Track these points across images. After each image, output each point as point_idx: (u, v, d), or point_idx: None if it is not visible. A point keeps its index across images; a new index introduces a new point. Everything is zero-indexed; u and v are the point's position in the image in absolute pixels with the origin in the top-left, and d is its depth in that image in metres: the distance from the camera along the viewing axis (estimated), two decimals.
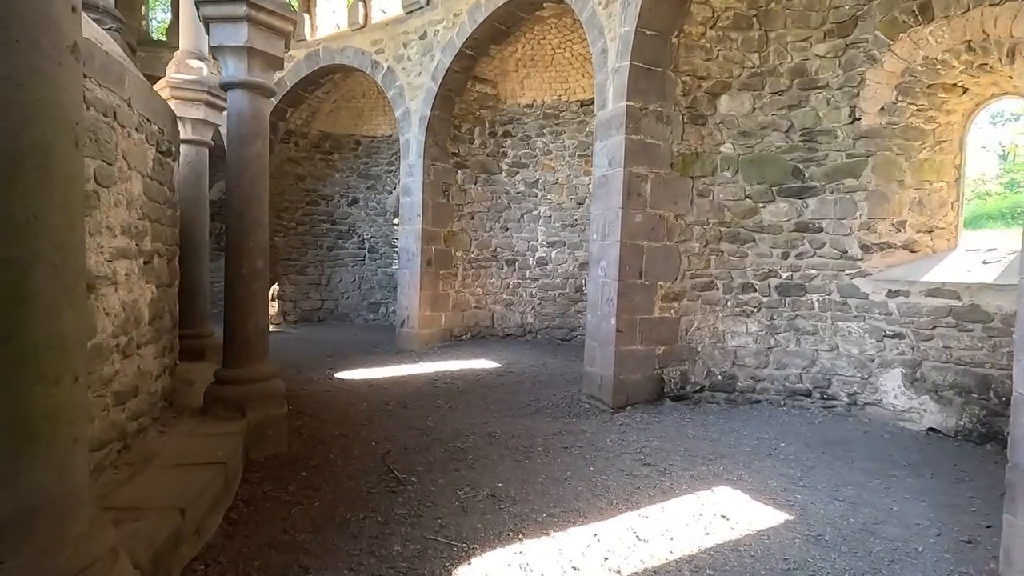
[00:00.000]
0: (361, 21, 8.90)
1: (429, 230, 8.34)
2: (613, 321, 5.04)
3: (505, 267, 9.22)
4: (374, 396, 5.68)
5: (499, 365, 7.37)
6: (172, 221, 3.95)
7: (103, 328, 2.67)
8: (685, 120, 5.26)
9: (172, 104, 5.56)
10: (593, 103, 6.37)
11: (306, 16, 9.58)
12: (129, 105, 2.91)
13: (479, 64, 8.22)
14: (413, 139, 8.32)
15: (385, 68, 8.65)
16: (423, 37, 8.19)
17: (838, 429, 4.82)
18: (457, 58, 7.82)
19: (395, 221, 11.05)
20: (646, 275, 5.13)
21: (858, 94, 4.88)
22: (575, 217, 8.99)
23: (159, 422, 3.51)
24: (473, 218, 9.00)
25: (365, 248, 11.74)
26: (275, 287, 10.76)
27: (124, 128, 2.85)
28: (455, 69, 7.96)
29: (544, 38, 8.17)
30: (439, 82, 7.98)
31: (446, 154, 8.56)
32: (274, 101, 9.49)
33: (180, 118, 5.60)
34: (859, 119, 4.91)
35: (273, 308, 10.75)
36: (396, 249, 10.70)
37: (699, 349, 5.40)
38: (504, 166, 9.14)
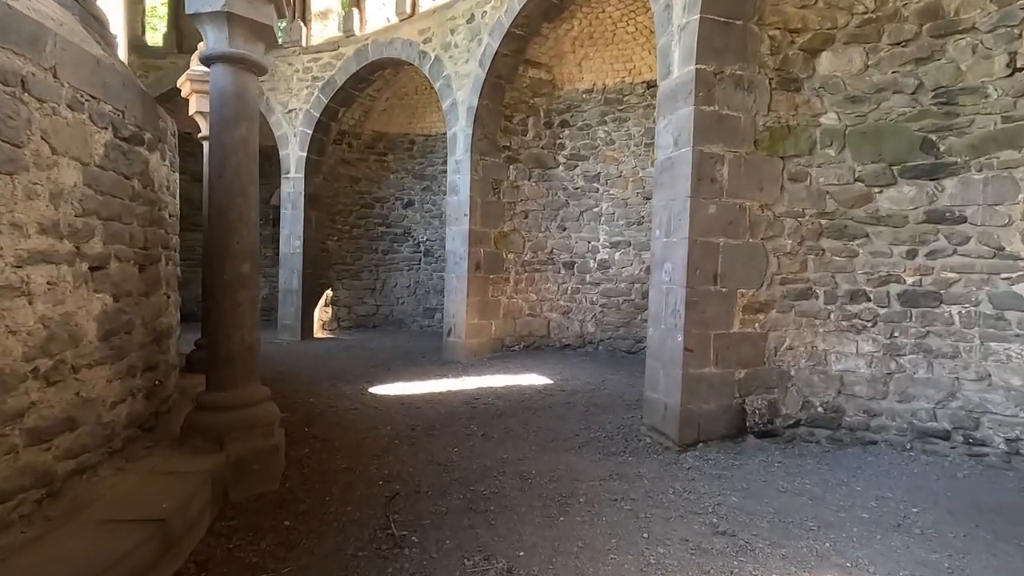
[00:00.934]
0: (409, 10, 8.39)
1: (477, 231, 7.64)
2: (680, 337, 4.06)
3: (562, 271, 8.35)
4: (402, 417, 5.02)
5: (550, 382, 6.52)
6: (153, 221, 3.47)
7: (5, 351, 2.13)
8: (773, 85, 4.18)
9: (193, 99, 5.20)
10: None
11: (355, 11, 9.23)
12: (55, 76, 2.38)
13: (531, 46, 7.43)
14: (460, 133, 7.67)
15: (432, 58, 8.07)
16: (470, 21, 7.53)
17: (994, 488, 3.56)
18: (506, 40, 7.07)
19: None
20: (722, 280, 4.11)
21: (1020, 35, 3.62)
22: (641, 214, 7.97)
23: (122, 455, 2.99)
24: (527, 217, 8.22)
25: (421, 251, 11.28)
26: (328, 292, 10.52)
27: (44, 103, 2.31)
28: (504, 53, 7.22)
29: (603, 11, 7.25)
30: (487, 68, 7.27)
31: (496, 148, 7.84)
32: (265, 85, 9.21)
33: (201, 113, 5.23)
34: (1021, 69, 3.64)
35: (327, 313, 10.51)
36: None
37: (792, 373, 4.29)
38: (561, 159, 8.29)
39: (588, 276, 8.31)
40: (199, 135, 6.15)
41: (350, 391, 6.01)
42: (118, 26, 9.98)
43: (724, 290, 4.13)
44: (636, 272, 8.04)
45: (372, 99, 10.17)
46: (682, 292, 4.06)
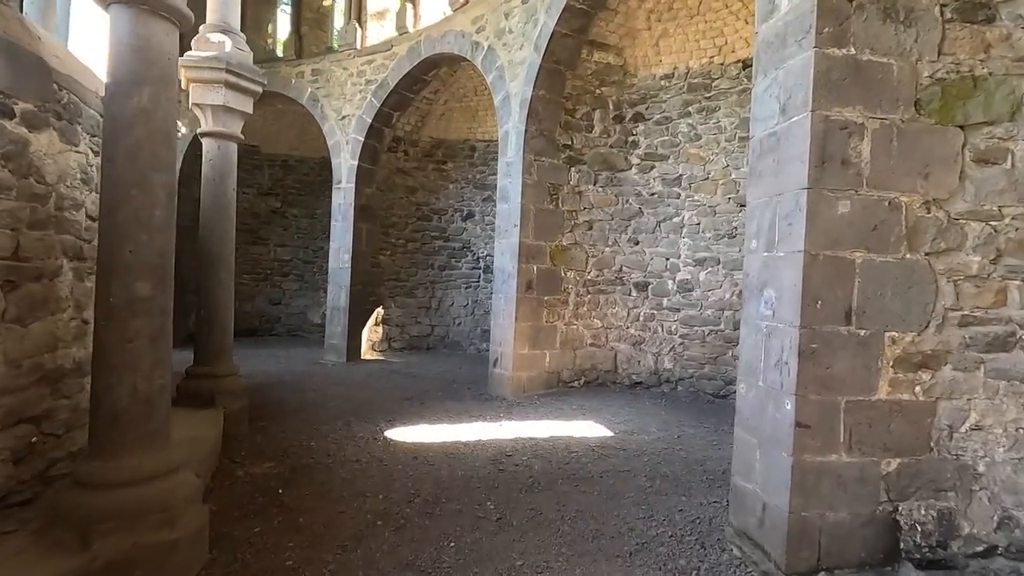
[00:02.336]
0: None
1: (530, 244, 6.48)
2: (789, 404, 2.63)
3: (634, 292, 6.96)
4: (406, 480, 3.91)
5: (609, 433, 5.16)
6: (41, 222, 2.63)
7: None
8: (947, 14, 2.68)
9: (192, 89, 4.51)
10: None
11: (409, 6, 8.51)
12: None
13: (596, 23, 6.22)
14: (512, 130, 6.59)
15: (485, 48, 7.09)
16: (526, 0, 6.46)
17: None
18: (565, 16, 5.92)
19: None
20: (860, 318, 2.63)
21: None
22: (734, 224, 6.43)
23: None
24: (591, 228, 6.93)
25: (480, 268, 10.30)
26: (379, 310, 9.78)
27: None
28: (564, 32, 6.07)
29: None
30: (543, 52, 6.14)
31: (554, 147, 6.66)
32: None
33: (198, 105, 4.52)
34: None
35: (377, 333, 9.77)
36: None
37: (980, 469, 2.69)
38: (634, 159, 6.95)
39: (665, 300, 6.85)
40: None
41: (364, 433, 5.02)
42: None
43: (863, 333, 2.64)
44: (727, 296, 6.48)
45: (429, 102, 9.40)
46: (793, 334, 2.63)
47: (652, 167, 6.90)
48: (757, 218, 3.02)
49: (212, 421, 4.16)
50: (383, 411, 5.87)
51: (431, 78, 8.77)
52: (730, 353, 6.40)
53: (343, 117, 9.16)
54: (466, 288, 10.36)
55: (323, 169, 11.40)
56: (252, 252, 11.76)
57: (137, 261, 2.36)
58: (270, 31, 10.51)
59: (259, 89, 4.75)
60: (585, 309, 6.90)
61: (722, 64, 6.37)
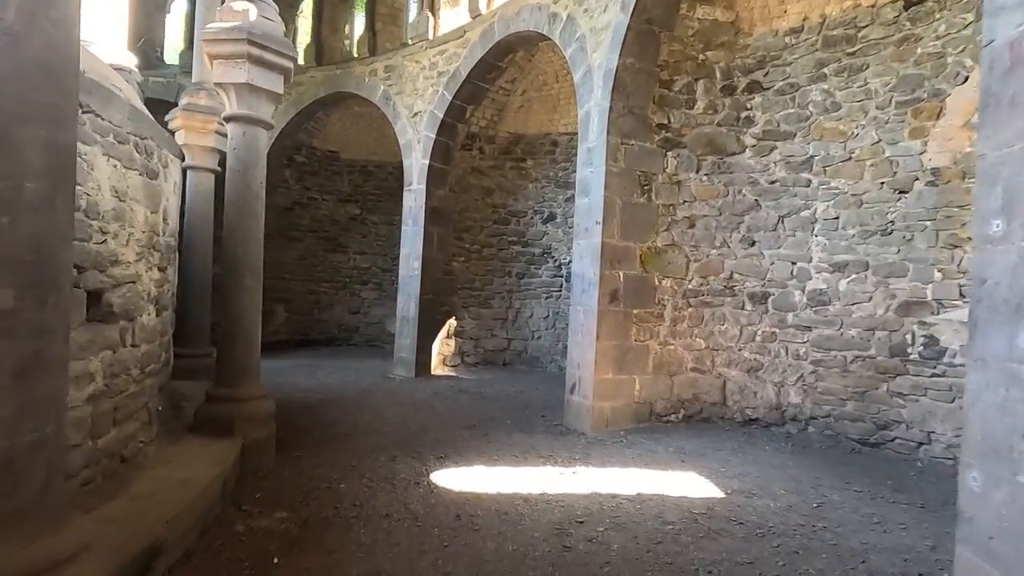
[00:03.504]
0: None
1: (615, 245, 5.32)
2: None
3: (748, 306, 5.56)
4: (437, 555, 2.93)
5: (719, 493, 3.87)
6: None
7: None
8: None
9: (215, 67, 3.90)
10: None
11: None
12: None
13: None
14: (594, 109, 5.49)
15: (564, 18, 6.07)
16: None
17: None
18: None
19: None
20: None
21: None
22: (890, 217, 4.87)
23: None
24: (692, 226, 5.64)
25: (562, 275, 9.24)
26: (452, 321, 9.01)
27: None
28: None
29: None
30: (632, 9, 5.01)
31: (646, 128, 5.47)
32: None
33: (220, 85, 3.90)
34: None
35: (449, 347, 9.00)
36: None
37: None
38: (749, 140, 5.58)
39: (791, 316, 5.38)
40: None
41: (407, 474, 4.12)
42: None
43: None
44: (879, 312, 4.91)
45: (506, 93, 8.54)
46: None
47: (772, 148, 5.48)
48: (1005, 181, 1.71)
49: (218, 457, 3.45)
50: (438, 442, 4.98)
51: (506, 64, 7.90)
52: (885, 388, 4.81)
53: (415, 114, 8.54)
54: (546, 298, 9.33)
55: (402, 174, 10.96)
56: (331, 260, 11.55)
57: None
58: (347, 32, 10.24)
59: (289, 64, 4.06)
60: (685, 326, 5.60)
61: (872, 6, 4.85)
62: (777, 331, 5.42)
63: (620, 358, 5.37)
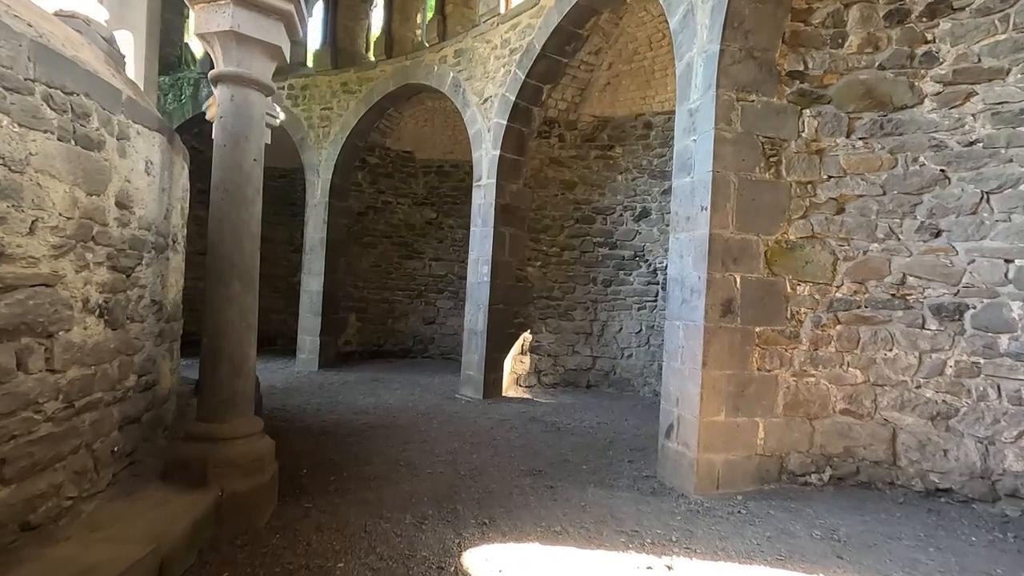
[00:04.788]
0: None
1: (729, 239, 3.88)
2: None
3: (931, 323, 3.85)
4: None
5: None
6: None
7: None
8: None
9: (195, 15, 3.08)
10: None
11: None
12: None
13: None
14: (699, 57, 4.10)
15: None
16: None
17: None
18: None
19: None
20: None
21: None
22: None
23: None
24: (841, 211, 4.05)
25: (658, 282, 7.77)
26: (527, 335, 7.85)
27: None
28: None
29: None
30: None
31: (772, 77, 3.99)
32: None
33: (203, 38, 3.08)
34: None
35: (523, 364, 7.84)
36: None
37: None
38: (930, 85, 3.89)
39: (1005, 339, 3.61)
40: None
41: (430, 550, 2.99)
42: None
43: None
44: None
45: (589, 68, 7.29)
46: None
47: (969, 95, 3.77)
48: None
49: (165, 524, 2.53)
50: (487, 496, 3.82)
51: (588, 31, 6.66)
52: None
53: (485, 100, 7.55)
54: (639, 309, 7.90)
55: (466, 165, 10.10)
56: (406, 267, 10.88)
57: None
58: (419, 21, 9.53)
59: (289, 7, 3.15)
60: (831, 350, 4.01)
61: None
62: (981, 361, 3.67)
63: (736, 393, 3.89)
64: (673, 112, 7.03)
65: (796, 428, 3.98)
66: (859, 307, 4.00)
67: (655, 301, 7.78)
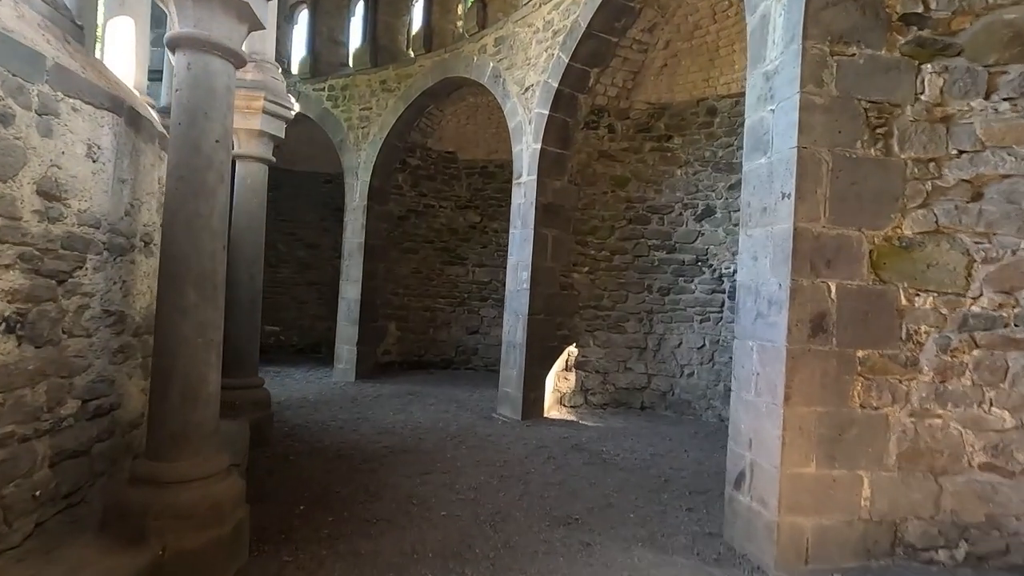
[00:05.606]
0: None
1: (820, 235, 2.97)
2: None
3: None
4: None
5: None
6: None
7: None
8: None
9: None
10: None
11: None
12: None
13: None
14: (776, 5, 3.21)
15: None
16: None
17: None
18: None
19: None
20: None
21: None
22: None
23: None
24: (978, 197, 3.03)
25: (723, 290, 6.78)
26: (572, 349, 7.05)
27: None
28: None
29: None
30: None
31: (878, 22, 3.04)
32: None
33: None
34: None
35: (568, 381, 7.04)
36: None
37: None
38: None
39: None
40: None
41: None
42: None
43: None
44: None
45: (642, 48, 6.45)
46: None
47: None
48: None
49: None
50: (507, 553, 3.09)
51: (640, 3, 5.84)
52: None
53: (526, 89, 6.86)
54: (701, 321, 6.92)
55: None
56: (449, 273, 10.33)
57: None
58: (459, 11, 8.99)
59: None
60: (967, 383, 2.99)
61: None
62: None
63: (832, 438, 2.95)
64: (742, 95, 6.07)
65: (916, 486, 2.99)
66: (1006, 325, 2.97)
67: (720, 312, 6.78)
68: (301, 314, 12.20)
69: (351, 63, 9.63)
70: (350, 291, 9.18)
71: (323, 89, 9.45)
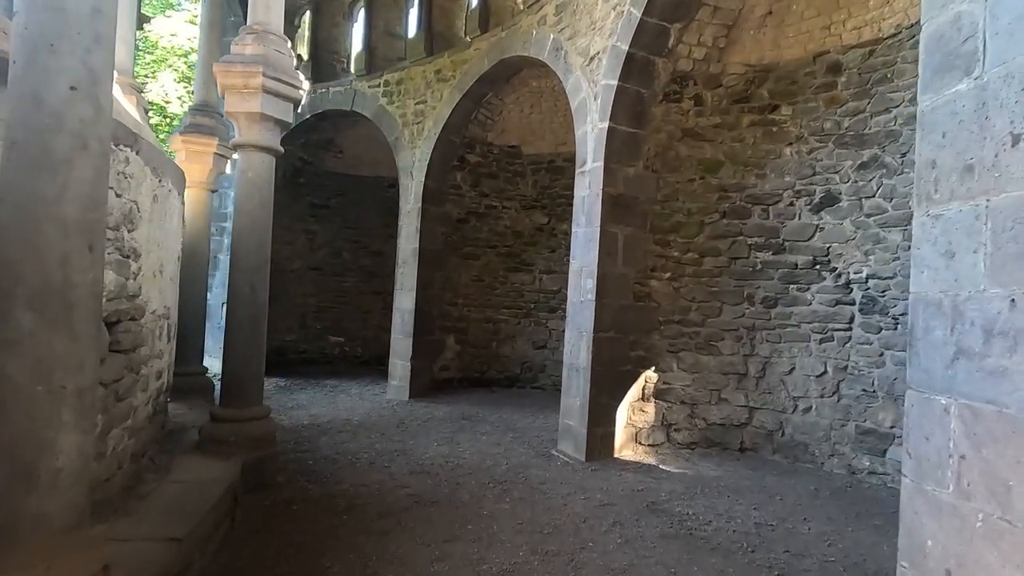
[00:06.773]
0: None
1: None
2: None
3: None
4: None
5: None
6: None
7: None
8: None
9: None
10: None
11: None
12: None
13: None
14: None
15: None
16: None
17: None
18: None
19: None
20: None
21: None
22: None
23: None
24: None
25: (852, 301, 5.18)
26: (650, 374, 5.72)
27: None
28: None
29: None
30: None
31: None
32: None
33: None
34: None
35: (646, 414, 5.72)
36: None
37: None
38: None
39: None
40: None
41: None
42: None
43: None
44: None
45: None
46: None
47: None
48: None
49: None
50: None
51: None
52: None
53: (591, 59, 5.68)
54: (821, 341, 5.35)
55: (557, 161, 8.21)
56: (513, 281, 9.31)
57: None
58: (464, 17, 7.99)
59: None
60: None
61: None
62: None
63: None
64: (877, 42, 4.55)
65: None
66: None
67: (848, 329, 5.19)
68: (365, 325, 11.72)
69: (406, 55, 8.94)
70: (404, 301, 8.41)
71: (378, 85, 8.83)
